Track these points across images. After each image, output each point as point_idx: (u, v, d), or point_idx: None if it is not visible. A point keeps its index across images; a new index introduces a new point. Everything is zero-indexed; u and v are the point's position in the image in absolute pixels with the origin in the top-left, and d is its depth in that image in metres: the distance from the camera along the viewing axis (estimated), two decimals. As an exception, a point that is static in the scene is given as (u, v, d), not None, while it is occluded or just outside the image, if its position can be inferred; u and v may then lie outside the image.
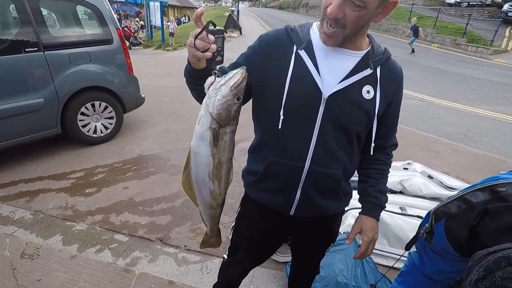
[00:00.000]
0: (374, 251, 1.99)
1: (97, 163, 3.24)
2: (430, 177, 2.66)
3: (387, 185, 2.70)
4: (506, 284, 0.57)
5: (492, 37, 12.27)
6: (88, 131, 3.51)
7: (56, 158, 3.31)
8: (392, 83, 0.92)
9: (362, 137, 0.96)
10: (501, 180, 0.82)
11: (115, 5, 28.07)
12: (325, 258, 1.87)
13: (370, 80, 0.89)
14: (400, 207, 2.29)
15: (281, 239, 1.26)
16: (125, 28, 14.31)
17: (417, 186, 2.50)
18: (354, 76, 0.87)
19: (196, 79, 0.85)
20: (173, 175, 3.06)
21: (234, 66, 0.94)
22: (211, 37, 0.71)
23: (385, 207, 1.06)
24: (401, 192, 2.55)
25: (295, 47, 0.89)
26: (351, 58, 0.88)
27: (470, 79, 7.76)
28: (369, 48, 0.90)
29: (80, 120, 3.40)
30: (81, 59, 3.25)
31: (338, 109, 0.87)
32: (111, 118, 3.67)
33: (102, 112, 3.58)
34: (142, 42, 14.63)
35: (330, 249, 1.92)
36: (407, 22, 16.90)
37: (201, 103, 0.80)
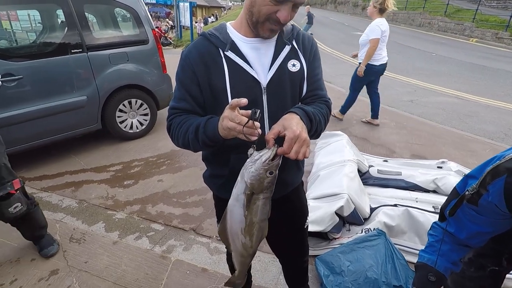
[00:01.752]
0: (405, 248, 1.98)
1: (133, 157, 3.44)
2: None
3: (420, 183, 2.63)
4: None
5: (539, 30, 11.36)
6: (125, 127, 3.72)
7: (96, 152, 3.55)
8: (306, 47, 1.04)
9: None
10: None
11: (147, 6, 29.09)
12: (355, 253, 1.90)
13: (292, 54, 1.00)
14: (433, 206, 2.24)
15: None
16: (156, 29, 14.82)
17: (452, 186, 2.42)
18: (279, 57, 0.98)
19: (216, 143, 0.90)
20: (204, 169, 3.17)
21: (174, 100, 1.01)
22: (257, 123, 0.77)
23: (312, 117, 0.94)
24: (434, 191, 2.49)
25: (221, 51, 0.95)
26: (270, 43, 0.98)
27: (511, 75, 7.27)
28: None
29: (118, 117, 3.61)
30: (119, 59, 3.46)
31: (278, 92, 0.99)
32: (146, 115, 3.87)
33: (138, 109, 3.78)
34: (172, 42, 15.10)
35: (360, 244, 1.95)
36: (443, 15, 16.07)
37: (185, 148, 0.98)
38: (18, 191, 1.82)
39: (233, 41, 0.96)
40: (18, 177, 1.83)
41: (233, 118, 0.77)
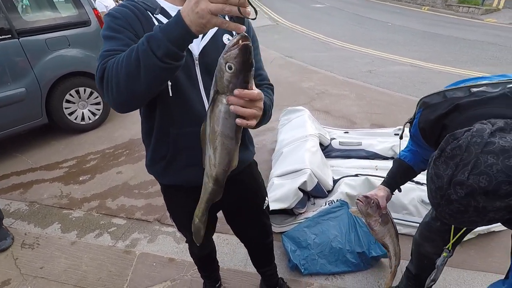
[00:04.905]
0: (367, 216, 2.05)
1: (88, 150, 3.21)
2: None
3: (379, 152, 2.72)
4: (455, 152, 0.70)
5: (483, -4, 11.99)
6: (75, 119, 3.44)
7: (46, 149, 3.27)
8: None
9: None
10: (481, 80, 0.86)
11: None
12: (320, 226, 1.94)
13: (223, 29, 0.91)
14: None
15: (213, 212, 1.25)
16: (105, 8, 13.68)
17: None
18: (212, 29, 0.87)
19: (182, 48, 0.68)
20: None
21: (107, 46, 0.80)
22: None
23: (267, 109, 0.93)
24: (392, 158, 2.58)
25: (150, 14, 0.86)
26: None
27: (461, 41, 7.66)
28: None
29: (66, 108, 3.32)
30: (59, 44, 3.12)
31: (211, 64, 0.88)
32: (98, 104, 3.59)
33: (88, 98, 3.50)
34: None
35: (325, 217, 1.99)
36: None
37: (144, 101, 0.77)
38: None
39: (162, 6, 0.87)
40: None
41: None
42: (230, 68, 0.63)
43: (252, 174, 1.19)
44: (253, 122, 0.71)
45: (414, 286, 1.53)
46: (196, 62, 0.90)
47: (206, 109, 0.89)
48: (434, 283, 1.20)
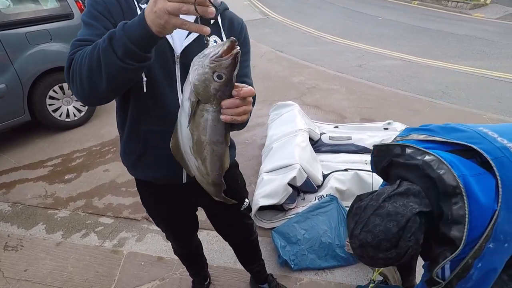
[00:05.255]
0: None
1: (74, 148, 3.13)
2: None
3: (369, 146, 2.72)
4: (357, 211, 0.93)
5: (471, -10, 12.10)
6: (60, 116, 3.34)
7: (30, 147, 3.17)
8: (235, 29, 0.94)
9: None
10: (413, 143, 0.99)
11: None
12: (309, 221, 1.93)
13: (213, 30, 0.88)
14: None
15: (192, 211, 1.24)
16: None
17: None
18: (190, 16, 0.82)
19: (143, 50, 0.64)
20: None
21: (82, 34, 0.76)
22: None
23: None
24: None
25: (136, 2, 0.81)
26: None
27: (449, 35, 7.72)
28: None
29: (49, 105, 3.21)
30: (40, 38, 3.01)
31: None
32: (83, 100, 3.49)
33: (72, 95, 3.39)
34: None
35: (314, 212, 1.98)
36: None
37: (111, 98, 0.73)
38: None
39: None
40: None
41: None
42: (220, 77, 0.60)
43: (231, 176, 1.14)
44: (246, 117, 0.68)
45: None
46: (177, 60, 0.85)
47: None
48: None
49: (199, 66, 0.61)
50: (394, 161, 1.00)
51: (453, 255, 0.83)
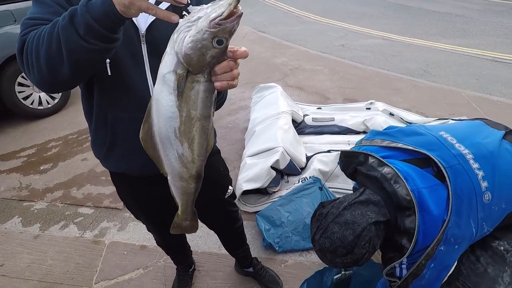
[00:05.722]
0: (339, 190, 2.06)
1: (49, 137, 2.99)
2: (391, 114, 2.72)
3: (351, 126, 2.71)
4: (319, 217, 0.99)
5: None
6: (31, 104, 3.16)
7: (1, 137, 3.01)
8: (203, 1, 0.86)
9: None
10: (375, 153, 1.03)
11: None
12: (293, 204, 1.93)
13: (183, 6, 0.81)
14: (363, 147, 2.35)
15: (171, 202, 1.20)
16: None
17: (379, 125, 2.55)
18: (162, 3, 0.74)
19: (107, 29, 0.59)
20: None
21: (32, 13, 0.69)
22: None
23: None
24: (364, 132, 2.60)
25: None
26: None
27: (431, 13, 7.73)
28: None
29: (19, 92, 3.03)
30: (3, 20, 2.79)
31: (161, 43, 0.76)
32: (56, 86, 3.31)
33: (44, 81, 3.21)
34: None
35: (298, 194, 1.98)
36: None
37: (75, 82, 0.66)
38: None
39: None
40: None
41: None
42: (220, 43, 0.54)
43: (213, 163, 1.09)
44: (237, 82, 0.62)
45: None
46: (143, 39, 0.78)
47: (151, 93, 0.81)
48: None
49: (193, 32, 0.53)
50: (358, 169, 1.06)
51: (399, 260, 0.91)
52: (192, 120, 0.62)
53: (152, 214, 1.16)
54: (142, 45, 0.79)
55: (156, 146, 0.66)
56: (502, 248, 1.00)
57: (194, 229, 0.90)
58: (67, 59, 0.59)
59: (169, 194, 1.07)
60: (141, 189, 1.04)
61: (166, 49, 0.59)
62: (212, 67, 0.58)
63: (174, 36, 0.57)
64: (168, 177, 0.73)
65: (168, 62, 0.58)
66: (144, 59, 0.80)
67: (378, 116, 2.61)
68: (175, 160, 0.67)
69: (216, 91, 0.62)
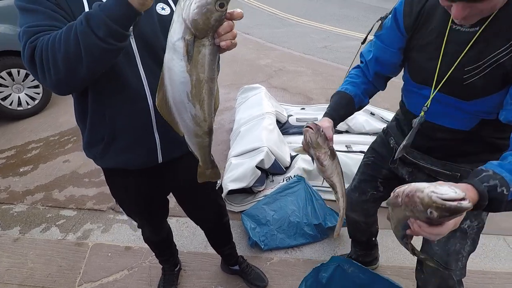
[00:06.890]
0: (322, 188, 2.11)
1: (29, 139, 2.92)
2: (372, 114, 2.81)
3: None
4: None
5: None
6: (10, 104, 3.07)
7: (-23, 139, 2.91)
8: None
9: None
10: None
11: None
12: (278, 202, 1.97)
13: None
14: (346, 145, 2.43)
15: (164, 196, 1.24)
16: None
17: (361, 124, 2.64)
18: None
19: (123, 27, 0.65)
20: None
21: (30, 22, 0.72)
22: None
23: None
24: (346, 131, 2.68)
25: None
26: None
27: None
28: None
29: (-3, 93, 2.94)
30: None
31: (146, 36, 0.84)
32: (36, 87, 3.22)
33: (23, 81, 3.12)
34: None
35: (282, 193, 2.02)
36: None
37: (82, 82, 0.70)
38: None
39: None
40: None
41: None
42: (222, 5, 0.59)
43: None
44: (236, 41, 0.67)
45: (360, 250, 1.63)
46: (130, 33, 0.81)
47: (145, 85, 0.87)
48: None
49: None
50: None
51: None
52: (201, 83, 0.67)
53: (145, 208, 1.18)
54: (131, 40, 0.82)
55: (171, 110, 0.71)
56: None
57: (217, 176, 0.94)
58: (85, 60, 0.65)
59: (165, 186, 1.11)
60: (136, 183, 1.06)
61: (173, 18, 0.63)
62: (215, 30, 0.63)
63: (181, 4, 0.61)
64: (185, 136, 0.79)
65: (176, 30, 0.62)
66: (135, 54, 0.84)
67: (359, 116, 2.68)
68: (190, 121, 0.73)
69: (218, 54, 0.67)
